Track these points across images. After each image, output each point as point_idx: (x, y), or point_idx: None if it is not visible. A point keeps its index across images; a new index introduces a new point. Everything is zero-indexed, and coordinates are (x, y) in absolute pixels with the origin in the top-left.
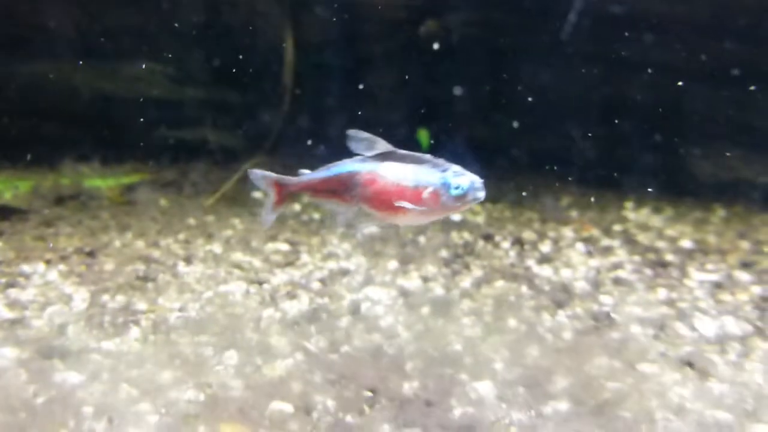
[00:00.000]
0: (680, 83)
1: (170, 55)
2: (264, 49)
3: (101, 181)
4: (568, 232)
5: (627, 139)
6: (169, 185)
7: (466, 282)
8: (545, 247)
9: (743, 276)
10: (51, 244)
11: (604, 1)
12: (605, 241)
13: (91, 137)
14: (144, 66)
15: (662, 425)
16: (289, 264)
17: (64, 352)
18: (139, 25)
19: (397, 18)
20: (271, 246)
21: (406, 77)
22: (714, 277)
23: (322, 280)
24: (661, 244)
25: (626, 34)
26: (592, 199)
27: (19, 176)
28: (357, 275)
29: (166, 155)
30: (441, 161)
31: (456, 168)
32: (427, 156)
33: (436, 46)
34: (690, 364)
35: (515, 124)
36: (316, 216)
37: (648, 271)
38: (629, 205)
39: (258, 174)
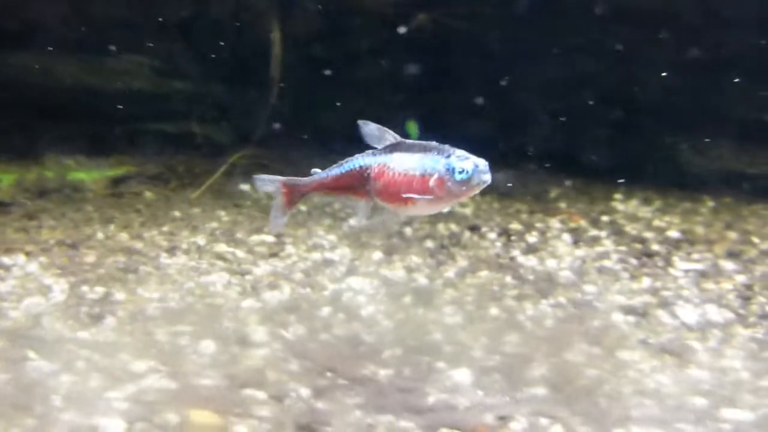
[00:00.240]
0: (669, 75)
1: (156, 48)
2: (251, 42)
3: (86, 174)
4: (555, 223)
5: (616, 130)
6: (154, 178)
7: (450, 272)
8: (532, 237)
9: (729, 265)
10: (33, 237)
11: None
12: (592, 232)
13: (76, 130)
14: (130, 59)
15: (637, 411)
16: (273, 255)
17: (38, 342)
18: (125, 18)
19: (385, 12)
20: (256, 237)
21: (395, 69)
22: (699, 266)
23: (305, 271)
24: (648, 234)
25: (616, 26)
26: (582, 190)
27: (2, 169)
28: (341, 266)
29: (152, 148)
30: (446, 147)
31: (460, 152)
32: (433, 144)
33: (424, 39)
34: (669, 351)
35: (505, 116)
36: (303, 208)
37: (633, 261)
38: (618, 196)
39: (264, 178)
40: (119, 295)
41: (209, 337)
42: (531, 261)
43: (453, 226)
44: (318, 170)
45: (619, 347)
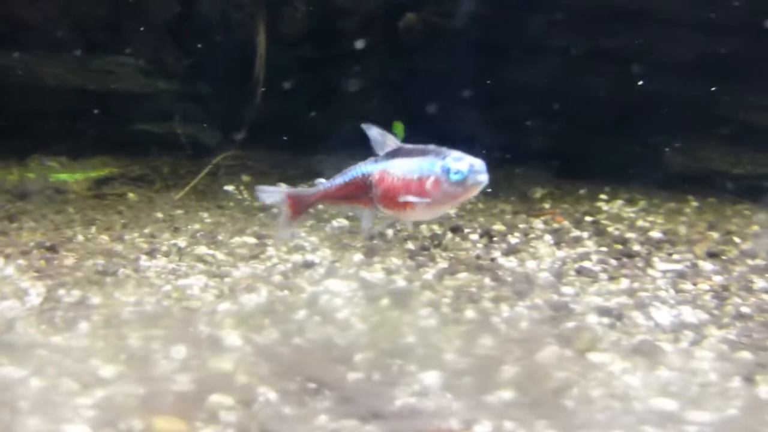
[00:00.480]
0: (654, 76)
1: (141, 48)
2: (236, 42)
3: (68, 176)
4: (538, 224)
5: (601, 131)
6: (138, 179)
7: (428, 274)
8: (514, 239)
9: (707, 266)
10: (13, 239)
11: None
12: (575, 233)
13: (60, 131)
14: (115, 59)
15: (603, 413)
16: (254, 257)
17: (9, 348)
18: (110, 17)
19: (374, 11)
20: (237, 239)
21: (382, 70)
22: (678, 267)
23: (284, 273)
24: (630, 234)
25: (604, 27)
26: (567, 191)
27: None
28: (320, 268)
29: (136, 149)
30: (443, 149)
31: (455, 153)
32: (431, 146)
33: (413, 39)
34: (641, 353)
35: (492, 117)
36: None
37: (613, 262)
38: (603, 196)
39: (268, 189)
40: (95, 299)
41: (182, 342)
42: (511, 262)
43: (435, 228)
44: (322, 180)
45: (591, 349)
